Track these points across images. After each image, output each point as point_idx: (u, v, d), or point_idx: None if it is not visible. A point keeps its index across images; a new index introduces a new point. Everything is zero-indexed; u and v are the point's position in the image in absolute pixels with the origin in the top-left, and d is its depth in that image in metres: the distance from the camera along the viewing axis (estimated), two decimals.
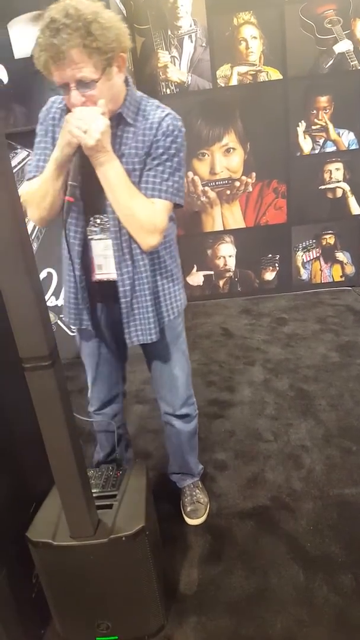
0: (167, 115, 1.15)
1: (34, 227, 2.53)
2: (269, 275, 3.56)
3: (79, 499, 1.08)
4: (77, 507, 1.09)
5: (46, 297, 2.67)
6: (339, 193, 3.32)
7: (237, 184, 3.27)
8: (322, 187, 3.29)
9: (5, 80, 2.32)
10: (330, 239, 3.46)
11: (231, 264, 3.53)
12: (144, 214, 1.15)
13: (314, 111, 3.11)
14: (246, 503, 1.67)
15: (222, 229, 3.42)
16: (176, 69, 3.05)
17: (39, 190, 1.16)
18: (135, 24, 2.98)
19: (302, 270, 3.54)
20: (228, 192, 3.31)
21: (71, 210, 1.15)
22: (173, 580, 1.41)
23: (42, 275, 2.65)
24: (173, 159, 1.16)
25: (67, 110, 1.12)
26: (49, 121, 1.20)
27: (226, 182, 3.28)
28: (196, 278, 3.57)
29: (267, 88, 3.05)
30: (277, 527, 1.55)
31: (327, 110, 3.11)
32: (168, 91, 3.10)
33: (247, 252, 3.49)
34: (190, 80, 3.06)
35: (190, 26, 2.96)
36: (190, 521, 1.61)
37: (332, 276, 3.56)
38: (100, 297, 1.32)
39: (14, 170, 2.43)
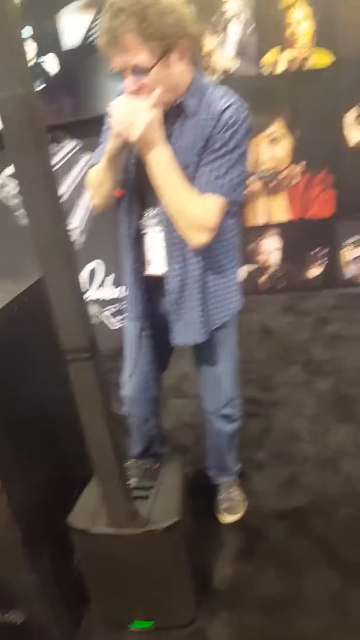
0: (229, 106, 1.07)
1: (83, 218, 2.58)
2: (314, 272, 3.46)
3: (117, 489, 1.12)
4: (115, 497, 1.13)
5: (93, 289, 2.73)
6: None
7: (283, 174, 3.17)
8: None
9: (56, 70, 2.35)
10: None
11: (274, 258, 3.46)
12: (193, 210, 1.11)
13: None
14: (281, 504, 1.65)
15: (266, 222, 3.35)
16: (221, 54, 2.97)
17: (95, 179, 1.19)
18: None
19: (350, 267, 3.42)
20: (273, 183, 3.23)
21: (123, 203, 1.16)
22: (206, 575, 1.43)
23: (91, 266, 2.70)
24: (232, 153, 1.09)
25: None
26: None
27: (271, 173, 3.20)
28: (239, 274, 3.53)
29: (317, 72, 2.90)
30: (312, 531, 1.54)
31: None
32: (214, 78, 3.05)
33: (291, 247, 3.39)
34: (235, 67, 2.97)
35: (237, 9, 2.84)
36: (225, 518, 1.61)
37: None
38: (151, 291, 1.30)
39: (63, 162, 2.48)
